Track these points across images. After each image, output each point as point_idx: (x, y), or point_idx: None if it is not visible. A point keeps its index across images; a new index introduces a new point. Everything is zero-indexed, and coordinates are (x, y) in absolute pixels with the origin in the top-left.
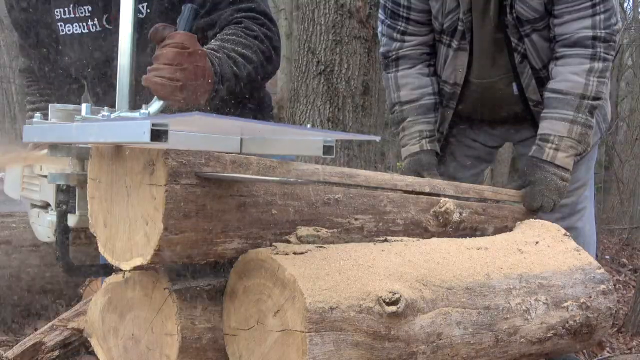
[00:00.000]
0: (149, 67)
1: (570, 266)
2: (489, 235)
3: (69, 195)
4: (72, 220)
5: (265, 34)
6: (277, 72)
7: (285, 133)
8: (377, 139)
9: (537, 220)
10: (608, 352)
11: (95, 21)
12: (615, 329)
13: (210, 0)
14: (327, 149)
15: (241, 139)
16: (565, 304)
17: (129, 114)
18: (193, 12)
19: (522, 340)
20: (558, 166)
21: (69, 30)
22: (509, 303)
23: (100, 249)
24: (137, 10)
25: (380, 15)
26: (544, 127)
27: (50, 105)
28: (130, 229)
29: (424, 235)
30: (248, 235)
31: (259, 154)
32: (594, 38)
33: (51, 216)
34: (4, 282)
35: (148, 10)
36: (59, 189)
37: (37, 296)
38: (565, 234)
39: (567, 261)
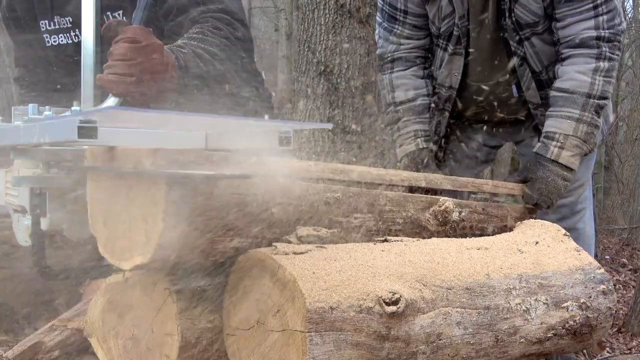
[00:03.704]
0: (104, 65)
1: (570, 266)
2: (488, 234)
3: (42, 198)
4: (43, 224)
5: (232, 33)
6: (250, 69)
7: (231, 125)
8: (330, 126)
9: (537, 220)
10: (608, 352)
11: (77, 32)
12: (615, 329)
13: (176, 5)
14: (283, 140)
15: (206, 135)
16: (565, 304)
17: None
18: (148, 6)
19: (522, 340)
20: (562, 165)
21: (54, 42)
22: (509, 303)
23: (100, 250)
24: (114, 18)
25: (378, 18)
26: (550, 124)
27: (13, 107)
28: (130, 229)
29: (424, 235)
30: (248, 234)
31: (224, 149)
32: (598, 38)
33: (27, 220)
34: (4, 282)
35: (124, 19)
36: (32, 193)
37: (37, 296)
38: (565, 234)
39: (567, 261)
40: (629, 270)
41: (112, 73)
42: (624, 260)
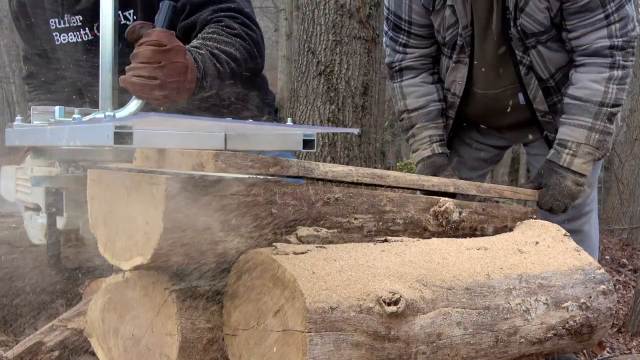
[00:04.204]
0: (126, 67)
1: (570, 266)
2: (489, 235)
3: (58, 197)
4: (60, 223)
5: (246, 32)
6: (262, 70)
7: (263, 130)
8: (357, 131)
9: (537, 220)
10: (608, 352)
11: (87, 30)
12: (615, 329)
13: (189, 3)
14: (307, 143)
15: (225, 136)
16: (566, 304)
17: (101, 116)
18: (171, 9)
19: (522, 340)
20: (574, 172)
21: (64, 40)
22: (509, 303)
23: (100, 249)
24: (124, 17)
25: (385, 27)
26: (563, 132)
27: (32, 107)
28: (130, 229)
29: (424, 235)
30: (248, 234)
31: (244, 150)
32: (612, 47)
33: (42, 219)
34: (4, 282)
35: (135, 17)
36: (48, 192)
37: (37, 296)
38: (565, 234)
39: (567, 261)
40: (629, 270)
41: (137, 75)
42: (624, 260)
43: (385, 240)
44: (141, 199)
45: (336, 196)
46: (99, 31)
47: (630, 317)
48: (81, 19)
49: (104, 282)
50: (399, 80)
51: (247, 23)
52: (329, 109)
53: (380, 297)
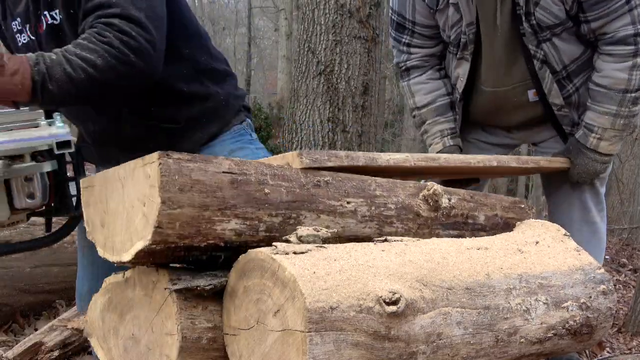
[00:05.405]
0: None
1: (570, 266)
2: (481, 223)
3: None
4: None
5: (120, 39)
6: (151, 76)
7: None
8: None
9: (537, 220)
10: (608, 352)
11: (27, 31)
12: (615, 329)
13: (82, 10)
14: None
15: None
16: (566, 304)
17: None
18: None
19: (522, 340)
20: (601, 153)
21: (21, 41)
22: (509, 303)
23: (100, 252)
24: (52, 17)
25: (390, 28)
26: (589, 116)
27: None
28: (128, 218)
29: (417, 221)
30: (244, 215)
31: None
32: (636, 35)
33: None
34: (4, 283)
35: (61, 17)
36: None
37: (37, 296)
38: (565, 234)
39: (567, 261)
40: (629, 270)
41: None
42: (624, 260)
43: (386, 240)
44: (136, 184)
45: (326, 179)
46: (32, 33)
47: (630, 317)
48: (20, 21)
49: (104, 282)
50: (406, 79)
51: (125, 30)
52: (329, 108)
53: (380, 297)
